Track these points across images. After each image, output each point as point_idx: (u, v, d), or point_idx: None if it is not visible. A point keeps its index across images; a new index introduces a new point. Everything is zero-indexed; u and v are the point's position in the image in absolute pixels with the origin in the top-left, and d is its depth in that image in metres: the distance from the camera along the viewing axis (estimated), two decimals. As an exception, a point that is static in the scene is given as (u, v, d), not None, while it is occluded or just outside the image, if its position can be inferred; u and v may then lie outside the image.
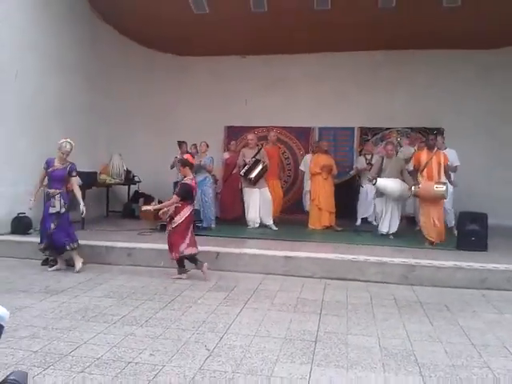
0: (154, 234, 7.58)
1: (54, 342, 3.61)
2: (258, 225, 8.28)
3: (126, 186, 9.63)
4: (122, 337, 3.73)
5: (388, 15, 8.42)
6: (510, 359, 3.43)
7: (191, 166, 5.97)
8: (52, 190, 5.94)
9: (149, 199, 9.85)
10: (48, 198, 5.96)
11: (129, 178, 9.47)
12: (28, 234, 7.13)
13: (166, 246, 6.45)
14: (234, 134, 10.77)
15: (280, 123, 10.45)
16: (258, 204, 8.28)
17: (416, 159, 7.23)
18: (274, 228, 8.16)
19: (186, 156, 6.08)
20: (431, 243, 6.81)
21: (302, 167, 9.57)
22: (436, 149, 7.02)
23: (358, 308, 4.64)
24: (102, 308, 4.46)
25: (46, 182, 6.11)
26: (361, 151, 10.09)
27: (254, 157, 8.28)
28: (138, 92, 10.36)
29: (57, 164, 6.00)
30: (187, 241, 5.65)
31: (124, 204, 9.75)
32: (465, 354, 3.50)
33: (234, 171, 9.08)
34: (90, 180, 8.06)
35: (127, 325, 4.02)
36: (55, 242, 5.91)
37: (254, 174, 8.10)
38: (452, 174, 7.51)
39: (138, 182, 9.64)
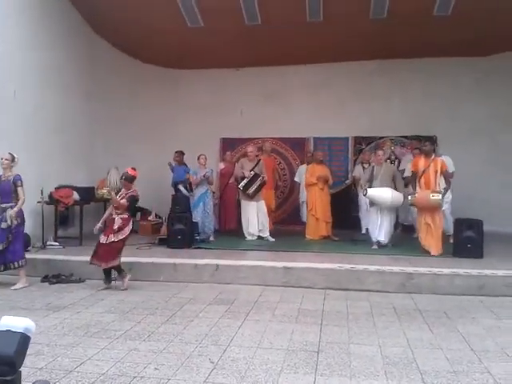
0: (153, 248, 7.63)
1: (58, 358, 3.63)
2: (256, 237, 8.31)
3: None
4: (125, 352, 3.76)
5: (380, 25, 8.58)
6: (510, 364, 3.49)
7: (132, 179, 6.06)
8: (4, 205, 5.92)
9: (146, 213, 9.92)
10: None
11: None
12: (27, 250, 7.11)
13: (166, 260, 6.55)
14: (229, 145, 10.84)
15: (275, 134, 10.55)
16: (256, 217, 8.32)
17: (414, 165, 7.25)
18: (271, 239, 8.19)
19: (131, 172, 6.05)
20: (426, 251, 6.88)
21: (296, 178, 9.64)
22: (433, 156, 7.07)
23: (359, 317, 4.68)
24: (104, 324, 4.48)
25: None
26: (356, 160, 10.18)
27: (252, 169, 8.31)
28: (135, 105, 10.44)
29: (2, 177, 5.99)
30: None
31: (121, 218, 9.74)
32: (465, 360, 3.55)
33: (230, 181, 9.08)
34: (88, 195, 8.09)
35: (130, 340, 4.04)
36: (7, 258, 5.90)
37: (252, 190, 8.15)
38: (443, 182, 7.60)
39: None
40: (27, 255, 6.81)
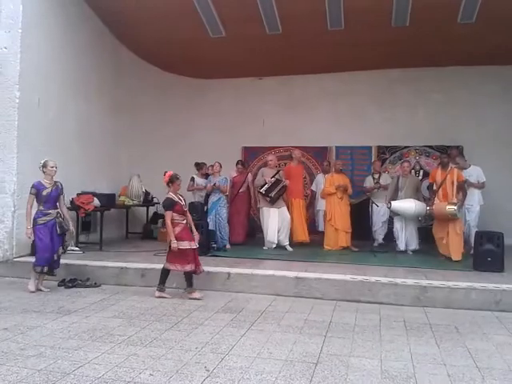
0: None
1: (58, 361, 3.70)
2: (275, 245, 8.24)
3: (145, 208, 9.79)
4: (125, 357, 3.79)
5: (402, 33, 8.48)
6: (514, 383, 3.34)
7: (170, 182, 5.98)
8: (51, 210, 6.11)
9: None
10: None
11: (147, 200, 9.64)
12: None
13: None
14: (251, 154, 10.90)
15: (297, 143, 10.46)
16: (277, 224, 8.24)
17: (431, 177, 7.29)
18: (290, 249, 8.13)
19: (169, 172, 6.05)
20: (445, 257, 6.78)
21: (313, 187, 9.58)
22: (450, 167, 6.97)
23: (365, 330, 4.58)
24: (109, 328, 4.54)
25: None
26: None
27: (273, 176, 8.30)
28: (157, 114, 10.65)
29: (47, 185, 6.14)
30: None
31: (143, 225, 9.92)
32: (467, 377, 3.42)
33: (241, 190, 8.78)
34: (108, 202, 8.26)
35: (132, 345, 4.07)
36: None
37: (273, 193, 8.12)
38: (477, 192, 7.63)
39: (157, 203, 9.79)
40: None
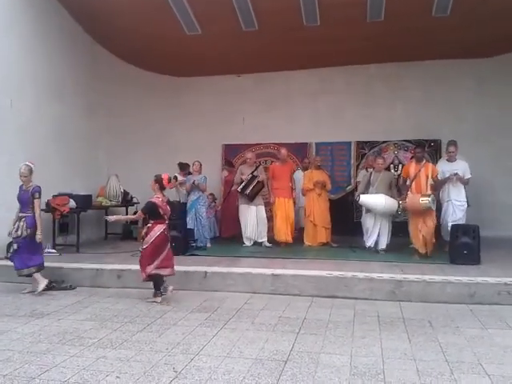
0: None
1: (25, 365, 3.63)
2: (253, 242, 8.29)
3: (124, 208, 9.69)
4: (93, 360, 3.74)
5: (378, 28, 8.49)
6: (481, 376, 3.34)
7: (161, 185, 5.83)
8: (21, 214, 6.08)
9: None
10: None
11: (126, 200, 9.54)
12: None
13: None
14: (231, 151, 10.86)
15: (277, 140, 10.48)
16: (254, 221, 8.28)
17: (405, 172, 7.24)
18: (268, 245, 8.14)
19: (163, 175, 5.93)
20: (420, 255, 6.75)
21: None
22: (424, 161, 6.98)
23: (338, 326, 4.58)
24: (80, 331, 4.48)
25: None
26: (358, 165, 10.05)
27: (251, 173, 8.33)
28: (136, 113, 10.54)
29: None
30: (157, 261, 5.56)
31: (123, 226, 9.82)
32: (436, 372, 3.42)
33: (233, 188, 9.12)
34: (85, 203, 8.16)
35: (101, 347, 4.02)
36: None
37: (249, 190, 8.13)
38: (463, 188, 7.30)
39: (136, 203, 9.69)
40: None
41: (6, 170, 7.28)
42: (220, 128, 10.70)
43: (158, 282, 5.59)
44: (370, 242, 7.44)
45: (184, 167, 9.10)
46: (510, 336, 4.26)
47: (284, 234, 8.27)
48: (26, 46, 7.79)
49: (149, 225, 5.70)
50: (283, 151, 8.72)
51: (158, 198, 5.75)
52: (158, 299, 5.54)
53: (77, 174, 9.04)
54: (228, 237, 9.21)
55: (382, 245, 7.39)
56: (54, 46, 8.43)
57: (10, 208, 7.16)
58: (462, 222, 7.19)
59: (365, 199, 7.16)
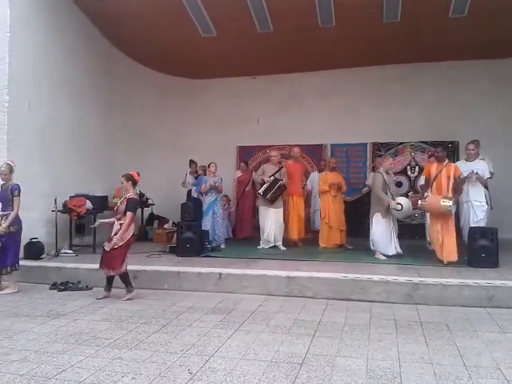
0: (163, 256, 7.65)
1: (42, 365, 3.66)
2: (272, 244, 8.21)
3: (139, 209, 9.74)
4: (108, 360, 3.75)
5: (393, 29, 8.41)
6: (500, 381, 3.28)
7: (134, 182, 5.97)
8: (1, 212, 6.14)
9: (163, 221, 9.99)
10: None
11: (142, 201, 9.57)
12: (40, 258, 7.30)
13: (170, 268, 6.55)
14: (246, 153, 10.86)
15: (292, 141, 10.37)
16: (274, 224, 8.21)
17: (426, 171, 7.06)
18: (283, 248, 8.09)
19: (132, 172, 6.05)
20: (440, 261, 6.63)
21: (308, 185, 9.50)
22: (447, 161, 6.85)
23: (355, 329, 4.53)
24: (96, 332, 4.50)
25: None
26: (373, 167, 9.97)
27: (273, 175, 8.16)
28: (152, 115, 10.63)
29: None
30: (127, 258, 5.84)
31: (138, 227, 9.86)
32: (454, 376, 3.37)
33: (247, 189, 9.14)
34: (101, 204, 8.22)
35: (117, 348, 4.04)
36: None
37: (270, 194, 8.04)
38: (482, 188, 7.15)
39: (152, 204, 9.74)
40: (39, 263, 7.06)
41: (24, 171, 7.36)
42: (234, 130, 10.72)
43: (127, 277, 5.88)
44: (391, 250, 7.12)
45: (192, 164, 9.52)
46: (530, 341, 4.18)
47: (293, 232, 8.34)
48: (43, 48, 7.88)
49: (121, 222, 5.80)
50: (296, 149, 8.69)
51: (135, 195, 5.98)
52: (134, 291, 5.82)
53: (93, 175, 9.13)
54: (242, 238, 9.22)
55: (398, 248, 7.22)
56: (71, 48, 8.53)
57: (26, 208, 7.28)
58: (484, 222, 7.02)
59: (407, 204, 6.85)
